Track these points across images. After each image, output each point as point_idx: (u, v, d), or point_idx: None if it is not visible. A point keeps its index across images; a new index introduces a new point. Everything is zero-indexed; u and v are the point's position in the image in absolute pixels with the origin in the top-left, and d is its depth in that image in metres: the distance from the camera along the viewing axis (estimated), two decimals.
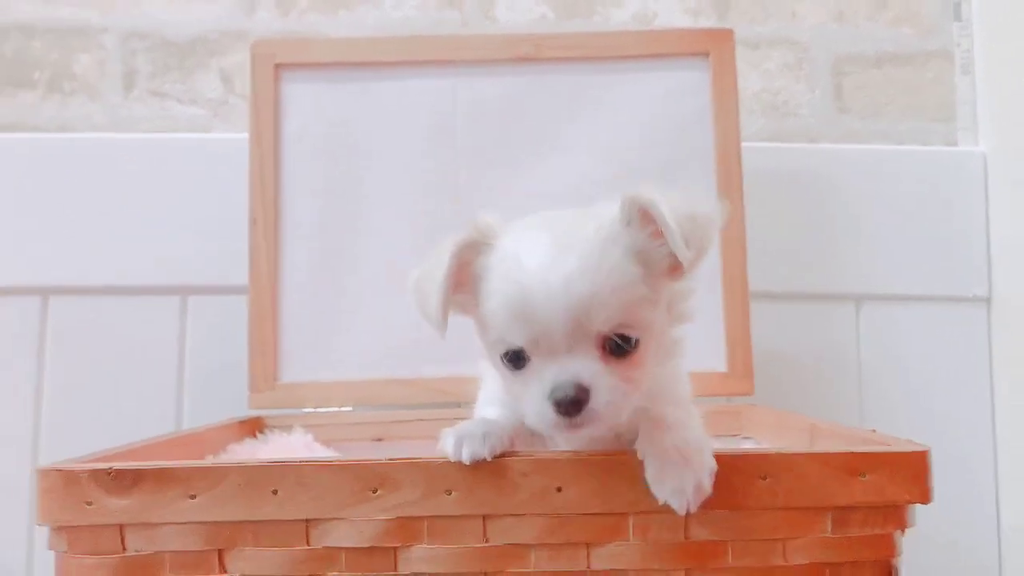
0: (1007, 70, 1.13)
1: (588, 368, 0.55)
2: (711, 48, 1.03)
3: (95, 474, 0.58)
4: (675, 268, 0.58)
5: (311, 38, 1.17)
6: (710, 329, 0.99)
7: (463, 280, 0.60)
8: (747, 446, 0.93)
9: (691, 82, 1.03)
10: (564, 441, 0.63)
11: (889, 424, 1.10)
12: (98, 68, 1.19)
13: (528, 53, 1.03)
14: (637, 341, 0.56)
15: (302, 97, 1.04)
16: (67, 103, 1.18)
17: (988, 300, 1.14)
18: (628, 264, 0.56)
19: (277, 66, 1.03)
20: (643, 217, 0.57)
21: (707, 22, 1.19)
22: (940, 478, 1.11)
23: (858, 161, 1.16)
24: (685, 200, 0.57)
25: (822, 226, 1.15)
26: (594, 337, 0.55)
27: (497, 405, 0.65)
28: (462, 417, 0.67)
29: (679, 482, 0.55)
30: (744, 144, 1.04)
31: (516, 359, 0.57)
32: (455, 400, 1.00)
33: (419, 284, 0.60)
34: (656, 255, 0.57)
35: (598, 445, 0.61)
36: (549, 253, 0.55)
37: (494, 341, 0.58)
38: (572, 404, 0.54)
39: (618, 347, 0.56)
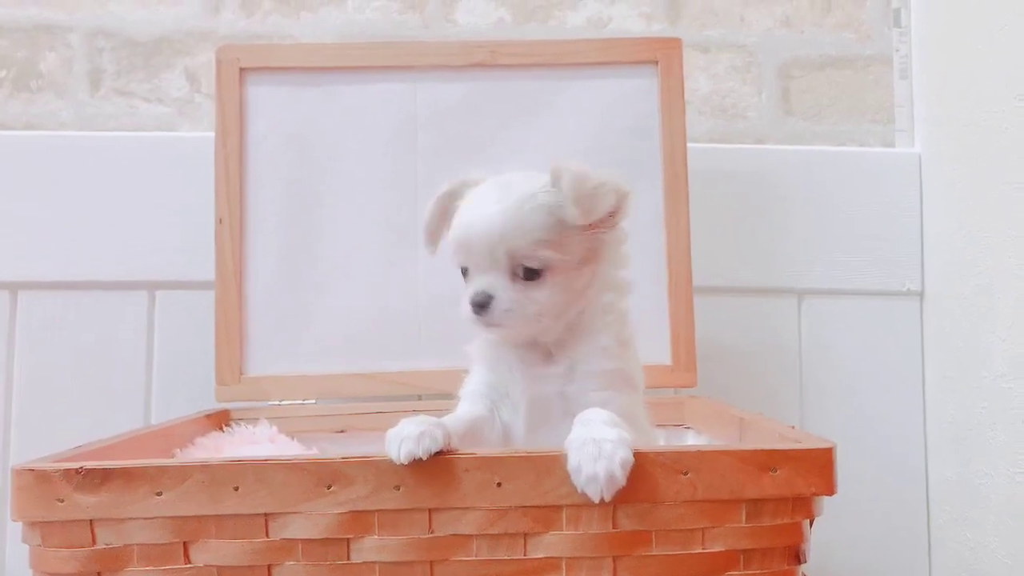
0: (943, 75, 1.19)
1: (495, 283, 0.74)
2: (660, 56, 1.07)
3: (66, 473, 0.62)
4: (592, 224, 0.74)
5: (276, 43, 1.19)
6: (656, 323, 1.05)
7: (451, 214, 0.79)
8: (689, 437, 0.99)
9: (640, 88, 1.08)
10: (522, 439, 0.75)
11: (826, 412, 1.18)
12: (65, 66, 1.21)
13: (484, 60, 1.07)
14: (539, 272, 0.74)
15: (266, 100, 1.07)
16: (34, 101, 1.21)
17: (921, 294, 1.20)
18: (539, 216, 0.73)
19: (242, 70, 1.07)
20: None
21: (659, 27, 1.23)
22: (872, 465, 1.19)
23: (800, 162, 1.21)
24: (595, 174, 0.74)
25: (766, 223, 1.20)
26: (505, 264, 0.73)
27: (474, 399, 0.78)
28: (421, 409, 0.76)
29: (593, 471, 0.61)
30: (692, 145, 1.09)
31: (464, 273, 0.77)
32: (415, 393, 1.05)
33: (422, 219, 0.82)
34: (566, 216, 0.73)
35: (541, 444, 0.70)
36: (484, 204, 0.75)
37: (453, 260, 0.78)
38: (479, 305, 0.73)
39: (526, 274, 0.74)
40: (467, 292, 0.74)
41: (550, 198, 0.74)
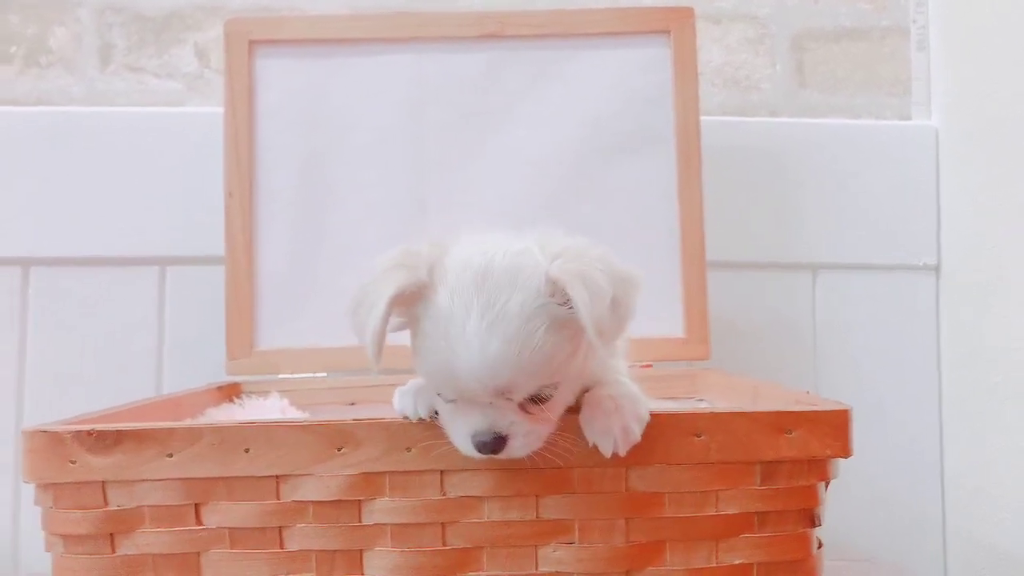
0: (960, 47, 1.17)
1: (505, 419, 0.59)
2: (672, 26, 1.06)
3: (78, 435, 0.62)
4: None
5: (284, 16, 1.19)
6: (668, 295, 1.04)
7: (401, 302, 0.62)
8: (702, 406, 0.98)
9: (652, 59, 1.06)
10: None
11: (841, 387, 1.17)
12: (75, 42, 1.20)
13: (494, 30, 1.06)
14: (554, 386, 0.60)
15: (275, 73, 1.06)
16: (44, 76, 1.20)
17: (937, 268, 1.19)
18: (549, 336, 0.58)
19: (251, 43, 1.06)
20: (563, 291, 0.59)
21: None
22: (887, 440, 1.18)
23: (815, 134, 1.20)
24: (601, 277, 0.59)
25: (780, 197, 1.19)
26: (513, 399, 0.59)
27: None
28: None
29: (606, 424, 0.60)
30: (705, 118, 1.07)
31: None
32: None
33: (356, 316, 0.63)
34: (576, 323, 0.58)
35: None
36: (476, 331, 0.57)
37: (430, 386, 0.63)
38: (490, 448, 0.59)
39: (536, 397, 0.60)
40: (464, 425, 0.60)
41: (557, 309, 0.59)
